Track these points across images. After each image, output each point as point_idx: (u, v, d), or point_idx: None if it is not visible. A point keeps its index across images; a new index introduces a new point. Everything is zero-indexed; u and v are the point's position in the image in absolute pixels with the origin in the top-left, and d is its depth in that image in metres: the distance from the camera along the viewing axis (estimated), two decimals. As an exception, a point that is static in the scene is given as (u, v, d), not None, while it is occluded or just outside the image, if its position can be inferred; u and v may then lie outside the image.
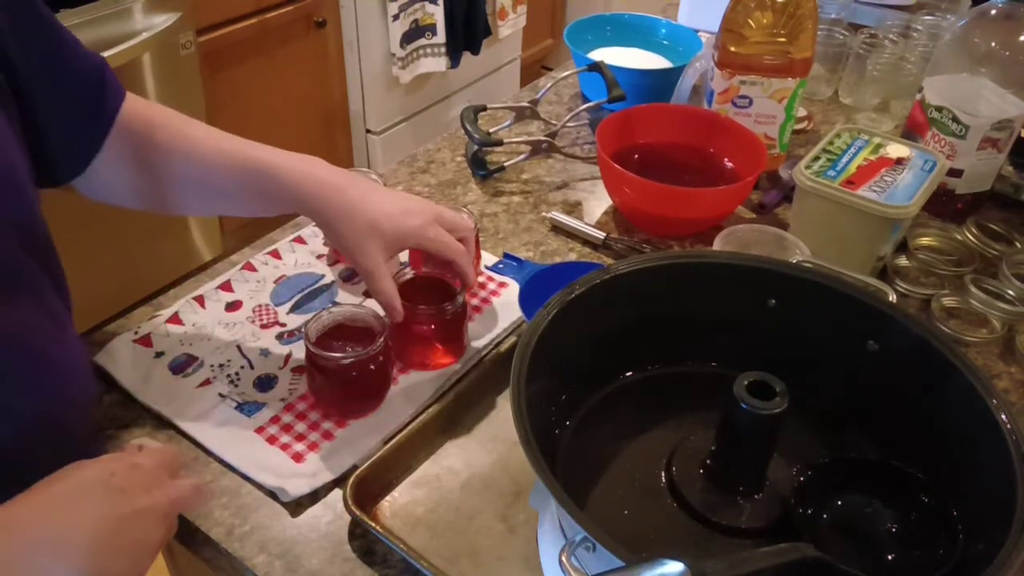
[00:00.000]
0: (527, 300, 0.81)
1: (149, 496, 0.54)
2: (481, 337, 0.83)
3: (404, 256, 0.92)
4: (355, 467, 0.68)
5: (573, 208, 1.04)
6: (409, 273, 0.79)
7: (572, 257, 0.95)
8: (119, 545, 0.52)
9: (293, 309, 0.85)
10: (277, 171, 0.72)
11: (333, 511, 0.67)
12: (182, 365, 0.78)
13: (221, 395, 0.75)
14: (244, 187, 0.74)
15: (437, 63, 2.40)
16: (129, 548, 0.53)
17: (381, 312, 0.74)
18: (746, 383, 0.58)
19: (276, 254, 0.92)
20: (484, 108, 1.13)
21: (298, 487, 0.67)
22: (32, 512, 0.51)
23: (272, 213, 0.75)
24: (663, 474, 0.64)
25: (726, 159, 1.05)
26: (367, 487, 0.67)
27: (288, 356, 0.80)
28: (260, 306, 0.85)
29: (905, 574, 0.57)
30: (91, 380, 0.69)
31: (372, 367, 0.71)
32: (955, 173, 0.99)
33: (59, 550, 0.50)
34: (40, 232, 0.63)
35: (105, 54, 1.62)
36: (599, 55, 1.26)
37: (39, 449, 0.58)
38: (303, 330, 0.74)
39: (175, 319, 0.83)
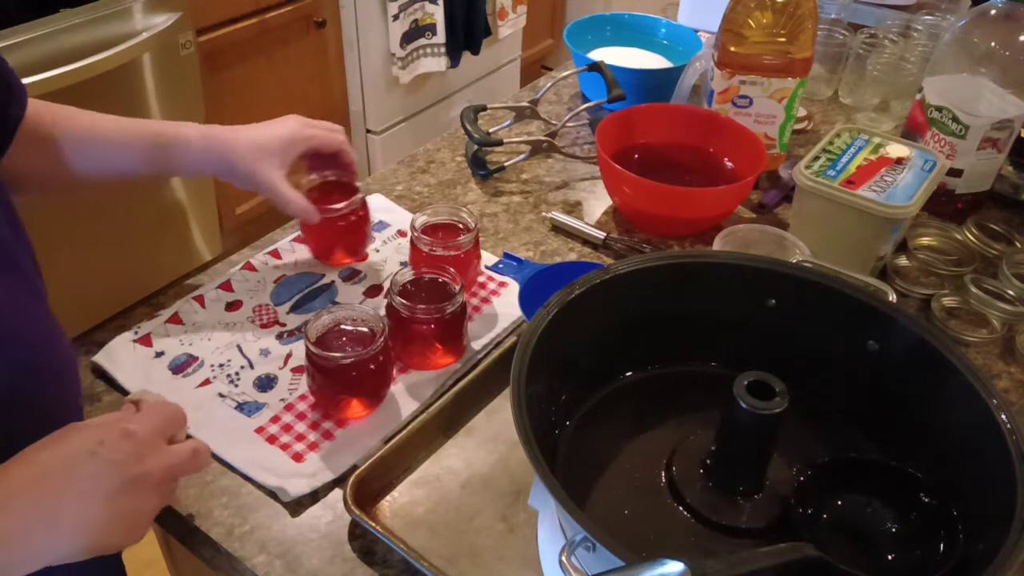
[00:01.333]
0: (527, 300, 0.81)
1: (142, 465, 0.53)
2: (481, 337, 0.83)
3: (404, 256, 0.92)
4: (355, 467, 0.68)
5: (573, 208, 1.04)
6: (409, 273, 0.79)
7: (572, 257, 0.95)
8: (112, 517, 0.52)
9: (293, 309, 0.85)
10: (167, 136, 0.79)
11: (333, 511, 0.67)
12: (182, 365, 0.78)
13: (221, 395, 0.75)
14: (142, 157, 0.79)
15: (437, 63, 2.40)
16: (122, 519, 0.52)
17: (382, 312, 0.75)
18: (746, 383, 0.58)
19: (276, 254, 0.92)
20: (484, 108, 1.13)
21: (298, 487, 0.67)
22: (23, 486, 0.50)
23: (168, 175, 0.83)
24: (663, 474, 0.64)
25: (726, 159, 1.05)
26: (367, 487, 0.67)
27: (288, 356, 0.80)
28: (260, 306, 0.85)
29: (905, 574, 0.57)
30: (68, 352, 0.67)
31: (372, 367, 0.71)
32: (955, 173, 0.99)
33: (51, 527, 0.50)
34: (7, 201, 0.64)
35: (105, 54, 1.63)
36: (599, 55, 1.26)
37: (10, 419, 0.56)
38: (303, 330, 0.74)
39: (175, 319, 0.83)
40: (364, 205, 0.89)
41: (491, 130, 1.16)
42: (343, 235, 0.90)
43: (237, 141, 0.81)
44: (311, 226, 0.88)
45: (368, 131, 2.43)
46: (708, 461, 0.63)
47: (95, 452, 0.52)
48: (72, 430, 0.53)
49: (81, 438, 0.53)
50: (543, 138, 1.12)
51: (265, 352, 0.80)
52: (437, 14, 2.31)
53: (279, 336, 0.82)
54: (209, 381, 0.77)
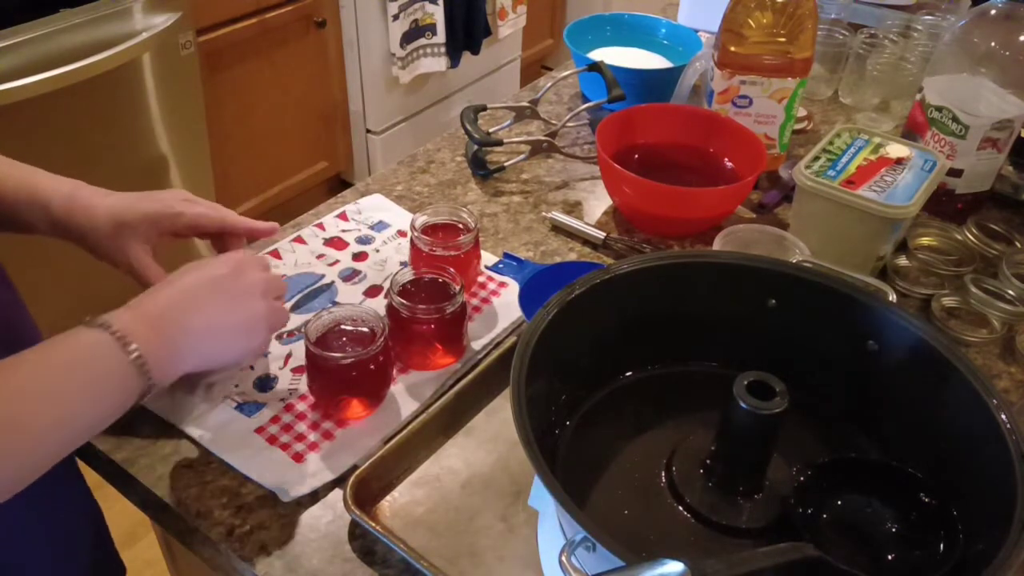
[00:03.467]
0: (527, 300, 0.81)
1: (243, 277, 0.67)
2: (481, 337, 0.83)
3: (404, 256, 0.92)
4: (355, 467, 0.68)
5: (573, 208, 1.04)
6: (409, 273, 0.79)
7: (572, 257, 0.95)
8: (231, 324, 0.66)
9: (293, 309, 0.85)
10: (37, 194, 0.71)
11: (333, 511, 0.67)
12: (182, 365, 0.78)
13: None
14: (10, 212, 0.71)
15: (437, 63, 2.40)
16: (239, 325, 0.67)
17: (382, 312, 0.75)
18: (746, 383, 0.58)
19: (276, 254, 0.92)
20: (484, 108, 1.13)
21: (298, 487, 0.67)
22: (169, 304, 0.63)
23: (32, 233, 0.73)
24: (663, 474, 0.64)
25: (726, 159, 1.05)
26: (367, 487, 0.67)
27: (288, 356, 0.80)
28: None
29: (905, 574, 0.57)
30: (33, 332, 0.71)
31: (372, 367, 0.71)
32: (955, 173, 0.99)
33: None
34: None
35: (105, 54, 1.63)
36: (599, 55, 1.26)
37: None
38: (303, 330, 0.74)
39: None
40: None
41: (491, 130, 1.16)
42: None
43: (96, 210, 0.72)
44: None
45: (368, 131, 2.43)
46: (708, 461, 0.63)
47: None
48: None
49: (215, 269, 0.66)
50: (543, 138, 1.12)
51: (265, 352, 0.80)
52: (437, 14, 2.31)
53: (279, 336, 0.82)
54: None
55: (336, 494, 0.68)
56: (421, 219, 0.86)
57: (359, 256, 0.93)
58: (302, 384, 0.76)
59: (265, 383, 0.77)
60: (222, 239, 0.77)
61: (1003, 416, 0.56)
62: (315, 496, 0.68)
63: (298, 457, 0.70)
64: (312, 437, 0.72)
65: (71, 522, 0.74)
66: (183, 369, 0.63)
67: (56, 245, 0.71)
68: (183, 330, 0.62)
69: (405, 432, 0.70)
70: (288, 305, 0.86)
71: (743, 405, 0.57)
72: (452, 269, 0.78)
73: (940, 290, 0.90)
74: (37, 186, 0.71)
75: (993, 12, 0.96)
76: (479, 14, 2.45)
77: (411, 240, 0.85)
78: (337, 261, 0.92)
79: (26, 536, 0.66)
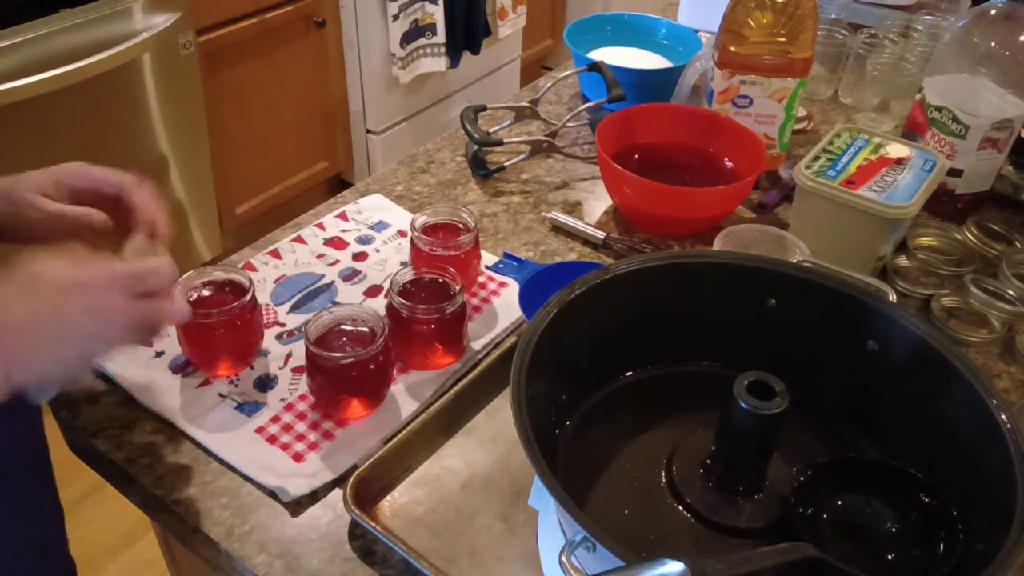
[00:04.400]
0: (527, 300, 0.81)
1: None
2: (481, 337, 0.83)
3: (404, 256, 0.92)
4: (355, 467, 0.68)
5: (573, 208, 1.04)
6: (409, 273, 0.79)
7: (572, 257, 0.95)
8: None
9: (293, 309, 0.85)
10: None
11: (333, 511, 0.67)
12: (183, 365, 0.78)
13: (221, 395, 0.75)
14: None
15: (437, 63, 2.40)
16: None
17: (382, 312, 0.75)
18: (746, 383, 0.58)
19: (276, 254, 0.92)
20: (484, 108, 1.13)
21: (298, 487, 0.67)
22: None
23: None
24: (663, 474, 0.64)
25: (726, 159, 1.05)
26: (367, 487, 0.67)
27: (288, 356, 0.80)
28: (260, 306, 0.85)
29: (905, 574, 0.57)
30: None
31: (372, 367, 0.71)
32: (955, 173, 0.99)
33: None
34: None
35: (105, 54, 1.63)
36: (599, 55, 1.26)
37: None
38: (303, 330, 0.74)
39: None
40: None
41: (491, 130, 1.16)
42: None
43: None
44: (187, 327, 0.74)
45: (368, 131, 2.43)
46: (708, 461, 0.63)
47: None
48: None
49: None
50: (543, 138, 1.12)
51: (265, 352, 0.80)
52: (437, 14, 2.31)
53: (279, 336, 0.82)
54: (209, 381, 0.77)
55: (336, 494, 0.68)
56: (421, 219, 0.86)
57: (359, 256, 0.93)
58: (302, 384, 0.76)
59: (265, 383, 0.77)
60: (121, 215, 0.68)
61: (1003, 416, 0.56)
62: (315, 496, 0.68)
63: (298, 457, 0.70)
64: (312, 437, 0.72)
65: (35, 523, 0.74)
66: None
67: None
68: None
69: (405, 432, 0.70)
70: (288, 305, 0.86)
71: (743, 405, 0.57)
72: (452, 269, 0.78)
73: (940, 290, 0.90)
74: None
75: (993, 12, 0.96)
76: (479, 14, 2.45)
77: (411, 240, 0.85)
78: (337, 261, 0.92)
79: None
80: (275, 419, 0.73)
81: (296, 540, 0.65)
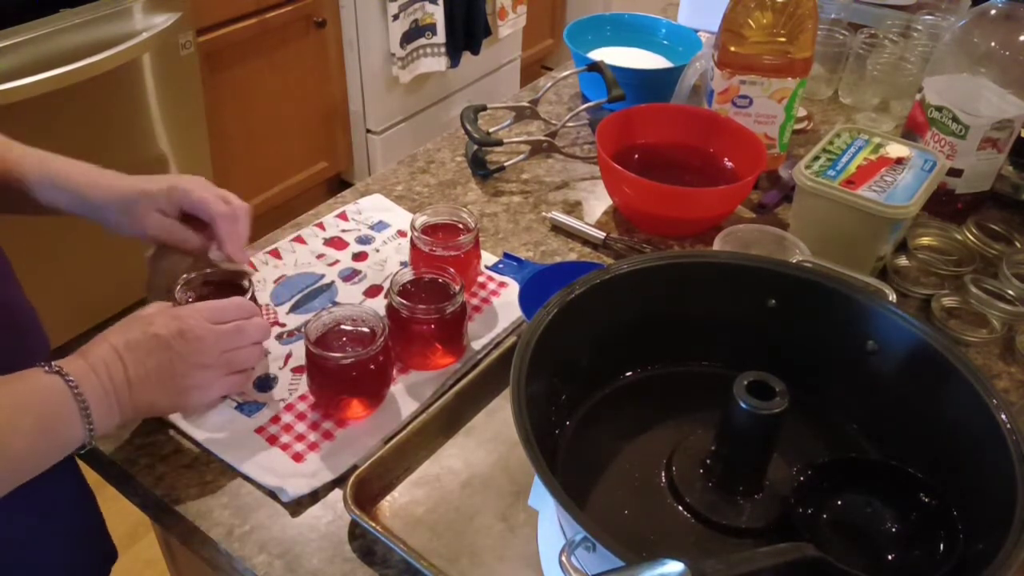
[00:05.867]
0: (527, 300, 0.81)
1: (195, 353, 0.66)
2: (481, 337, 0.83)
3: (404, 256, 0.92)
4: (355, 467, 0.68)
5: (573, 208, 1.04)
6: (409, 273, 0.79)
7: (572, 257, 0.95)
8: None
9: (293, 309, 0.85)
10: (56, 177, 0.74)
11: (333, 511, 0.67)
12: (182, 365, 0.78)
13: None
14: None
15: (437, 63, 2.40)
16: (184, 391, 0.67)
17: (382, 312, 0.75)
18: (746, 383, 0.58)
19: (276, 253, 0.92)
20: (484, 108, 1.13)
21: (298, 487, 0.67)
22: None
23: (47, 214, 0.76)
24: (663, 474, 0.64)
25: (726, 159, 1.05)
26: (367, 487, 0.67)
27: (288, 356, 0.80)
28: (260, 306, 0.85)
29: (905, 574, 0.57)
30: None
31: (372, 367, 0.71)
32: (955, 173, 0.99)
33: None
34: None
35: (105, 54, 1.63)
36: (599, 55, 1.26)
37: None
38: (303, 330, 0.74)
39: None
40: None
41: (491, 130, 1.16)
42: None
43: (116, 185, 0.76)
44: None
45: (368, 131, 2.43)
46: (708, 461, 0.63)
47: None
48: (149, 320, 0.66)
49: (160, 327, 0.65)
50: (543, 138, 1.12)
51: (265, 352, 0.80)
52: (437, 14, 2.31)
53: (279, 336, 0.82)
54: (209, 381, 0.77)
55: (336, 494, 0.68)
56: (421, 219, 0.86)
57: (359, 256, 0.93)
58: (302, 384, 0.76)
59: (265, 383, 0.77)
60: (204, 233, 0.77)
61: (1003, 416, 0.56)
62: (315, 496, 0.68)
63: (298, 457, 0.70)
64: (312, 437, 0.72)
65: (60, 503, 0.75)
66: (122, 419, 0.64)
67: (63, 244, 0.72)
68: (126, 382, 0.63)
69: (405, 432, 0.70)
70: (288, 305, 0.86)
71: (743, 405, 0.57)
72: (452, 269, 0.78)
73: (940, 290, 0.90)
74: (51, 167, 0.74)
75: (993, 12, 0.96)
76: (479, 14, 2.45)
77: (411, 240, 0.85)
78: (337, 261, 0.92)
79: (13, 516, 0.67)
80: (275, 419, 0.73)
81: (296, 540, 0.65)
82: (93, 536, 0.80)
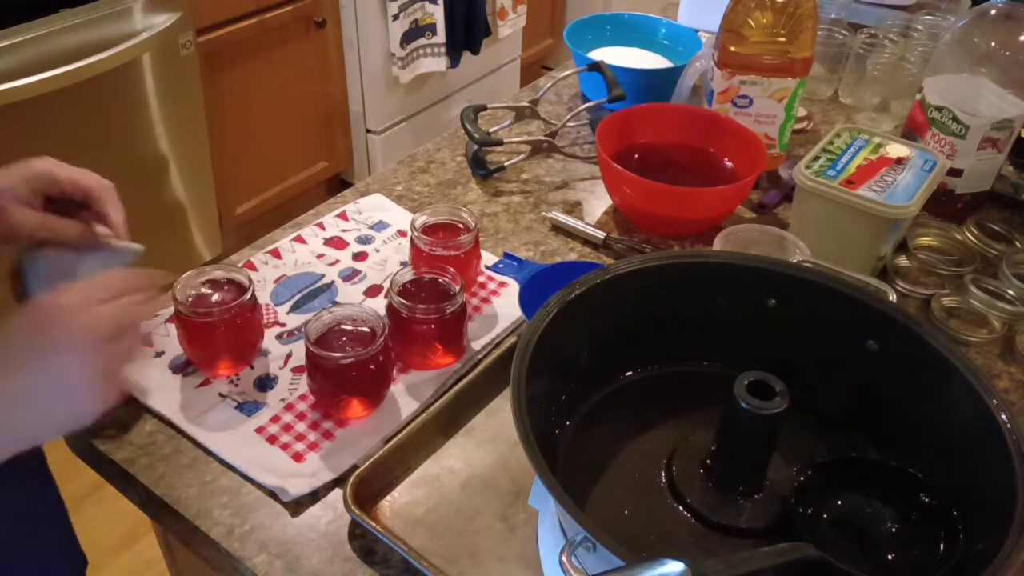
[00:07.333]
0: (527, 300, 0.81)
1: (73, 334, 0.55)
2: (481, 337, 0.83)
3: (404, 256, 0.92)
4: (355, 467, 0.68)
5: (573, 208, 1.04)
6: (409, 273, 0.79)
7: (572, 257, 0.95)
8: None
9: (293, 309, 0.85)
10: None
11: (333, 511, 0.67)
12: (183, 365, 0.78)
13: (221, 395, 0.75)
14: None
15: (437, 63, 2.40)
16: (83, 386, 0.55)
17: (382, 312, 0.75)
18: (746, 383, 0.58)
19: (276, 253, 0.92)
20: (484, 108, 1.13)
21: (298, 487, 0.67)
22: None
23: None
24: (663, 474, 0.64)
25: (726, 159, 1.05)
26: (367, 487, 0.67)
27: (288, 356, 0.80)
28: (260, 305, 0.85)
29: (905, 574, 0.57)
30: None
31: (372, 367, 0.71)
32: (955, 173, 0.99)
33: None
34: None
35: (105, 54, 1.63)
36: (599, 55, 1.26)
37: None
38: (303, 330, 0.74)
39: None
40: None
41: (491, 130, 1.16)
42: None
43: None
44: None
45: (368, 131, 2.43)
46: (708, 461, 0.63)
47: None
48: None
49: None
50: (543, 138, 1.12)
51: (265, 352, 0.80)
52: (437, 14, 2.31)
53: (279, 336, 0.82)
54: (209, 381, 0.77)
55: (336, 494, 0.68)
56: (421, 219, 0.86)
57: (359, 256, 0.93)
58: (302, 384, 0.76)
59: (265, 383, 0.77)
60: (87, 217, 0.70)
61: (1003, 416, 0.56)
62: (315, 496, 0.68)
63: (298, 457, 0.70)
64: (312, 437, 0.72)
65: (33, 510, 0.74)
66: None
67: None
68: None
69: (405, 432, 0.70)
70: (288, 305, 0.86)
71: (743, 405, 0.57)
72: (452, 269, 0.78)
73: (940, 290, 0.90)
74: None
75: (993, 12, 0.96)
76: (479, 14, 2.45)
77: (411, 240, 0.85)
78: (337, 261, 0.92)
79: None
80: (275, 419, 0.73)
81: (296, 540, 0.65)
82: (65, 544, 0.79)
